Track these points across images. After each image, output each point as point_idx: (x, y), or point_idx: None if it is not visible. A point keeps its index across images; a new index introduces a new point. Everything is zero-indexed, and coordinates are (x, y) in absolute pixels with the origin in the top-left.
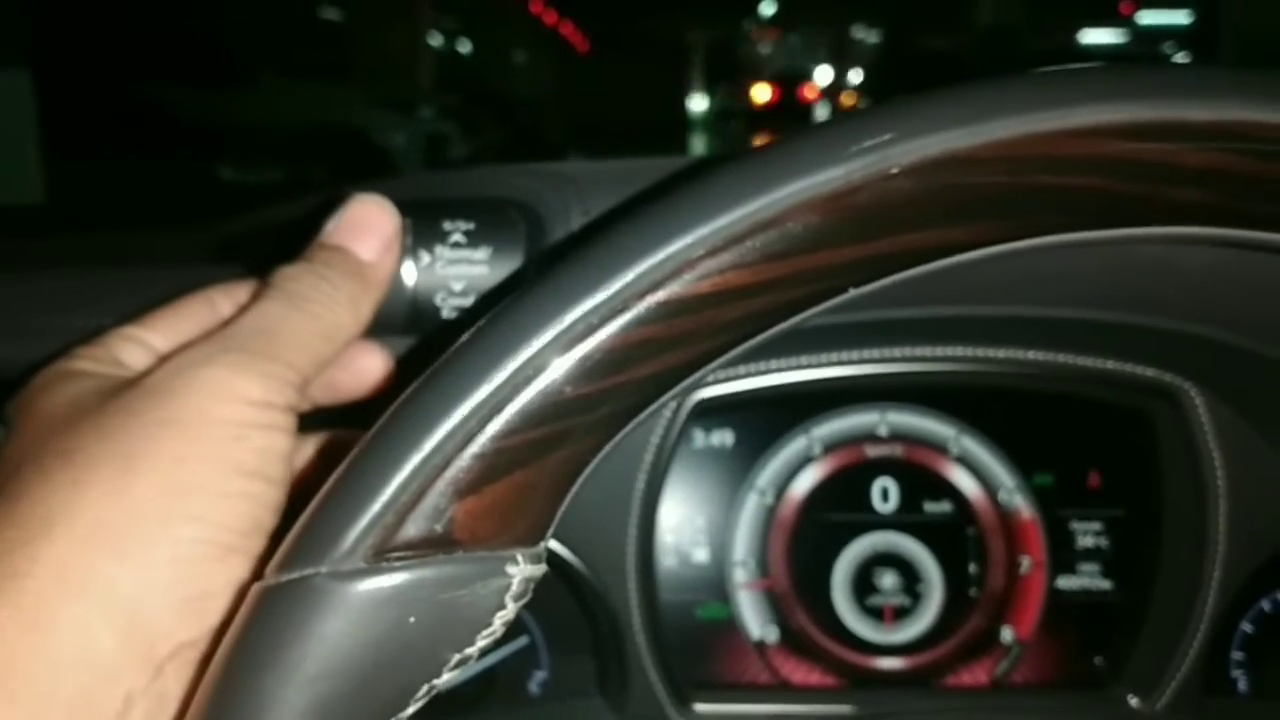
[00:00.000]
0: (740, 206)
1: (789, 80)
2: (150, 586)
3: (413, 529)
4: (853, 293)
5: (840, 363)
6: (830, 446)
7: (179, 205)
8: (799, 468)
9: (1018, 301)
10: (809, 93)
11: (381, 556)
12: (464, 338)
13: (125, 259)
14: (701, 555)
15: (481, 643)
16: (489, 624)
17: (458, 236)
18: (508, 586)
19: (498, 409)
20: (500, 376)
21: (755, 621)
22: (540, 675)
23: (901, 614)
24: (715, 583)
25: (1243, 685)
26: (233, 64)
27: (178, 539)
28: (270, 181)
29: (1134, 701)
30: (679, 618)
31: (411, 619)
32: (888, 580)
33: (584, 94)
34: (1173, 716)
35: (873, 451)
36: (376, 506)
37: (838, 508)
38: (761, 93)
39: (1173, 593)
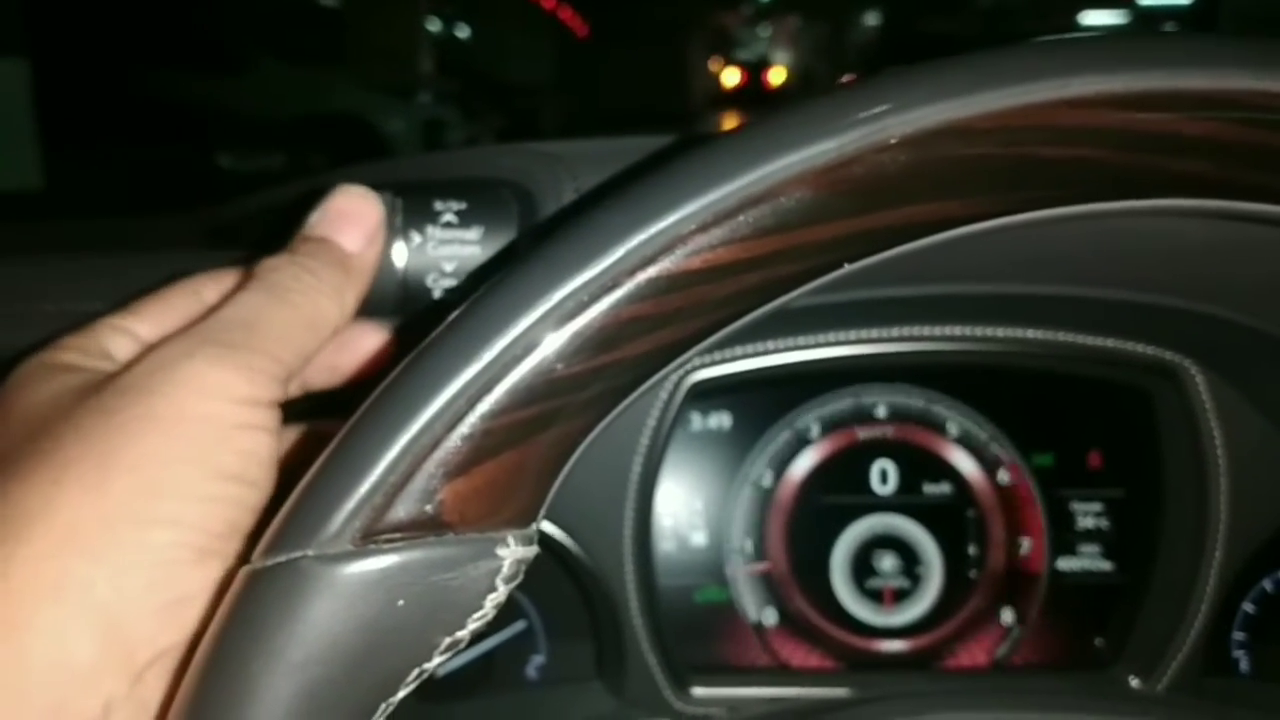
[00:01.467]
0: (731, 180)
1: (754, 65)
2: (128, 591)
3: (401, 511)
4: (848, 268)
5: (838, 343)
6: (828, 428)
7: (178, 191)
8: (797, 450)
9: (1017, 280)
10: (773, 78)
11: (370, 539)
12: (452, 316)
13: (118, 244)
14: (699, 538)
15: (472, 626)
16: (479, 607)
17: (449, 217)
18: (498, 569)
19: (487, 388)
20: (489, 355)
21: (753, 605)
22: (538, 660)
23: (901, 596)
24: (713, 566)
25: (1244, 665)
26: (229, 49)
27: (153, 543)
28: (269, 167)
29: (1135, 682)
30: (677, 601)
31: (400, 602)
32: (887, 562)
33: (583, 79)
34: (1174, 697)
35: (871, 433)
36: (364, 488)
37: (836, 490)
38: (730, 76)
39: (1173, 573)
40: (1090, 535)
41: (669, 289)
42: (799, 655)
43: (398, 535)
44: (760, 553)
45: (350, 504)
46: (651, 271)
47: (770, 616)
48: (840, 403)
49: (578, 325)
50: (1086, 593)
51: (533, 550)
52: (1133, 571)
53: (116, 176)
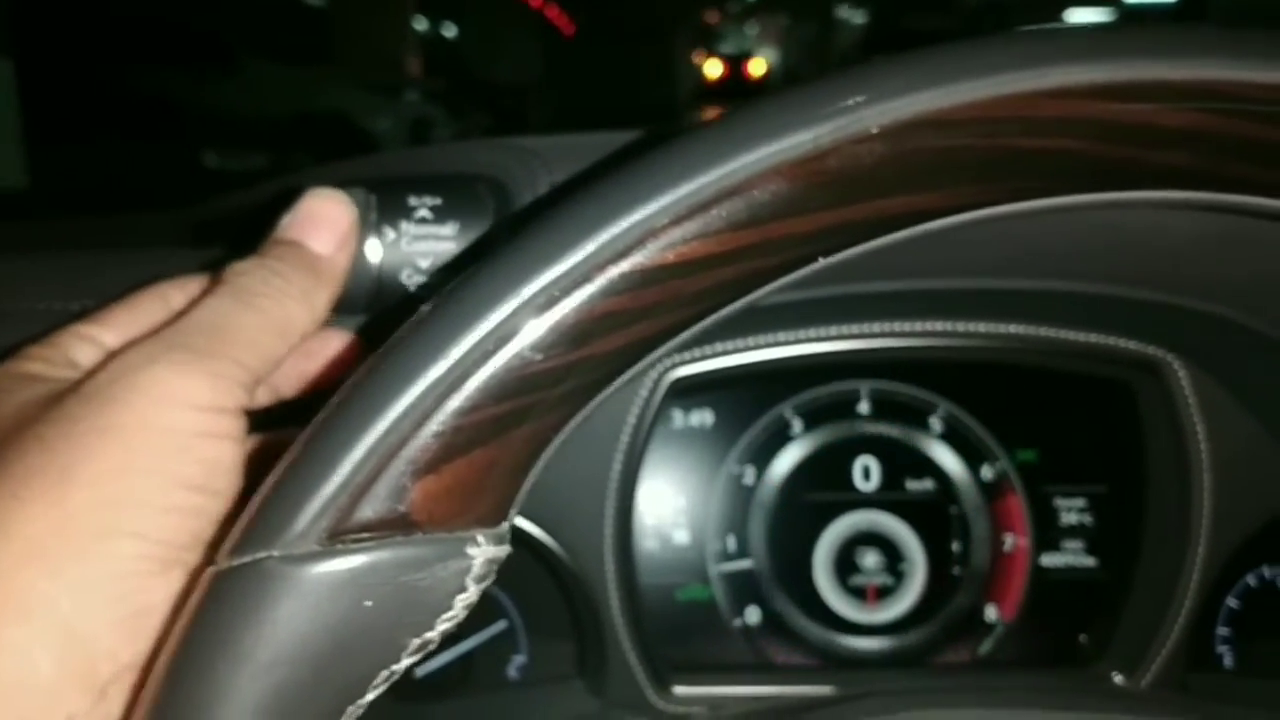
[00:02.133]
0: (704, 173)
1: (735, 58)
2: (89, 605)
3: (369, 510)
4: (823, 262)
5: (820, 339)
6: (811, 424)
7: (164, 190)
8: (779, 447)
9: (999, 274)
10: (754, 70)
11: (336, 538)
12: (420, 311)
13: (102, 242)
14: (681, 536)
15: (442, 627)
16: (449, 607)
17: (424, 212)
18: (468, 568)
19: (457, 385)
20: (458, 351)
21: (736, 603)
22: (519, 659)
23: (884, 593)
24: (695, 564)
25: (1228, 661)
26: (216, 47)
27: (115, 555)
28: (256, 166)
29: (1119, 679)
30: (658, 600)
31: (368, 603)
32: (870, 560)
33: (570, 77)
34: (1158, 693)
35: (854, 429)
36: (330, 487)
37: (819, 487)
38: (713, 69)
39: (1157, 569)
40: (1074, 531)
41: (642, 283)
42: (782, 653)
43: (365, 535)
44: (742, 550)
45: (316, 503)
46: (624, 265)
47: (753, 614)
48: (822, 399)
49: (550, 320)
50: (1070, 589)
51: (504, 550)
52: (1116, 567)
53: (102, 175)
